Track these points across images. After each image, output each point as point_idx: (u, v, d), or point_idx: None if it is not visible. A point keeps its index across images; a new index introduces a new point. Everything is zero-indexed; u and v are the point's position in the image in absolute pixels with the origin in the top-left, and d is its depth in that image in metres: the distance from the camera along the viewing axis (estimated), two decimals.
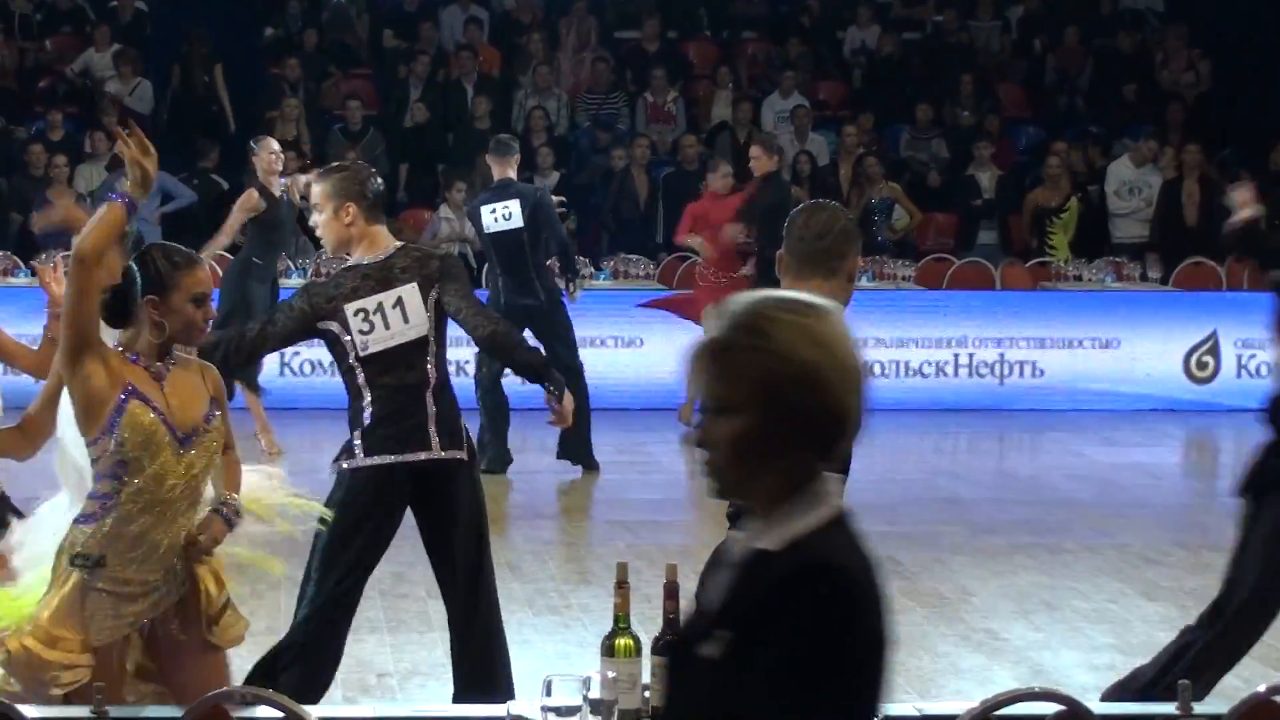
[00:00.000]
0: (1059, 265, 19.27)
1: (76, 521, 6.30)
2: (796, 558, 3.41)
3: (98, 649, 6.23)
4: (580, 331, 17.53)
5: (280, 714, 5.23)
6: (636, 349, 17.76)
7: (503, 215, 14.42)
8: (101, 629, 6.24)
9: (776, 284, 6.15)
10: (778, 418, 3.43)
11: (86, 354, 6.19)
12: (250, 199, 15.22)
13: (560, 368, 9.26)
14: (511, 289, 14.51)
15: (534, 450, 15.04)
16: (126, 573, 6.26)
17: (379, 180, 8.09)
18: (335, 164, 8.53)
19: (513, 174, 14.74)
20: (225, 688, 5.90)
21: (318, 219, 7.99)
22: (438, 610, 10.57)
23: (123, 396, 6.27)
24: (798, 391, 3.41)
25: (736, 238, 16.25)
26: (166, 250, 6.49)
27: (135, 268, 6.33)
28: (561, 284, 15.15)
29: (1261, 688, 5.65)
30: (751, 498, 3.53)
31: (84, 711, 5.67)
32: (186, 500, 6.33)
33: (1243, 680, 8.66)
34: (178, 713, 5.40)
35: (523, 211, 14.47)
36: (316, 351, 17.21)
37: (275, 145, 15.77)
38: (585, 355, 16.83)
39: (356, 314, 7.78)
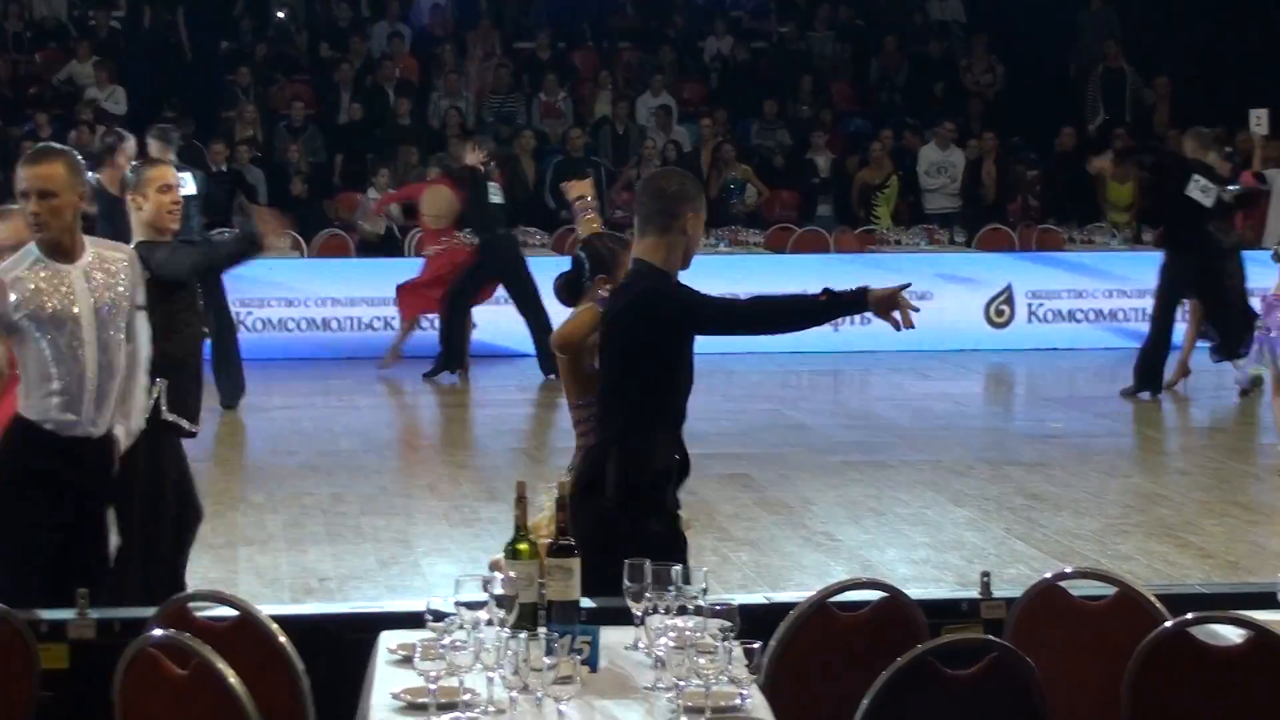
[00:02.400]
0: (882, 232, 19.29)
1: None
2: None
3: None
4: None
5: (235, 612, 5.16)
6: None
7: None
8: None
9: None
10: None
11: None
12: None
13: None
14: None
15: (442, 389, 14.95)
16: None
17: None
18: None
19: (174, 157, 14.01)
20: None
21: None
22: (370, 524, 10.52)
23: None
24: None
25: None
26: (606, 236, 6.71)
27: (582, 255, 6.52)
28: None
29: (1048, 574, 5.67)
30: None
31: (70, 614, 5.60)
32: None
33: (1034, 571, 8.71)
34: (148, 613, 5.31)
35: (195, 184, 13.80)
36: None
37: (133, 147, 12.59)
38: (490, 311, 16.64)
39: None
